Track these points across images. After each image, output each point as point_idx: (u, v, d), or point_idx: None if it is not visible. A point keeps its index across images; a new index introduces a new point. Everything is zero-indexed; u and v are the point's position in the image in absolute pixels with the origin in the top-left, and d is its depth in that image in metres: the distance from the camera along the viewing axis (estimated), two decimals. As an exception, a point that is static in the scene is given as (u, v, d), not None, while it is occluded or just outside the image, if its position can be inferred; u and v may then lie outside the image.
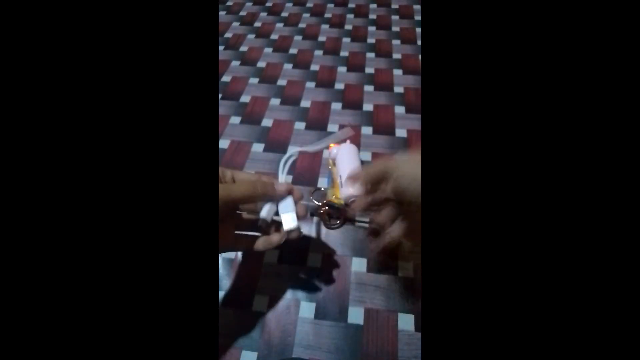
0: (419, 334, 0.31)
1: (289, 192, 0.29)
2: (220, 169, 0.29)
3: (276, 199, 0.28)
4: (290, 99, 0.54)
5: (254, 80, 0.58)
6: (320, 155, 0.45)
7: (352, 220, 0.39)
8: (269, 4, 0.79)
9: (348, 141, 0.41)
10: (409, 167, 0.25)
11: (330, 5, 0.77)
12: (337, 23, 0.71)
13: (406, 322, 0.32)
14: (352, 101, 0.53)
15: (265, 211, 0.28)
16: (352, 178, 0.29)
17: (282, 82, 0.58)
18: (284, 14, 0.75)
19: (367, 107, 0.52)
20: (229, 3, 0.80)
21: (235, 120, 0.51)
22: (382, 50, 0.63)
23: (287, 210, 0.28)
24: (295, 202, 0.29)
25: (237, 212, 0.30)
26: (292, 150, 0.31)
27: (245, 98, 0.55)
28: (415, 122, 0.50)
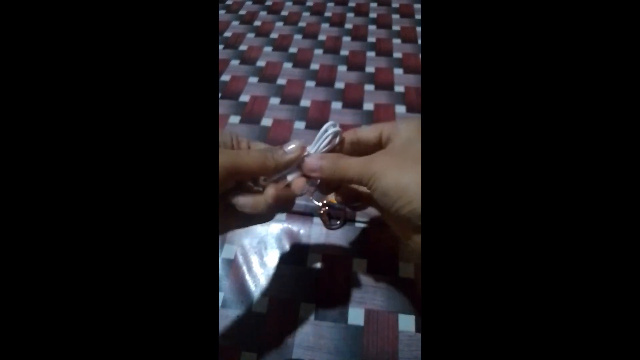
0: (420, 335, 0.31)
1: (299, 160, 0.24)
2: (233, 135, 0.25)
3: (289, 169, 0.24)
4: (290, 98, 0.54)
5: (253, 80, 0.58)
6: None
7: (352, 220, 0.39)
8: (268, 3, 0.78)
9: None
10: (392, 178, 0.20)
11: (330, 4, 0.77)
12: (337, 22, 0.71)
13: (406, 323, 0.31)
14: (352, 100, 0.53)
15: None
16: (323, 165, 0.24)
17: (281, 81, 0.57)
18: (284, 13, 0.75)
19: (368, 106, 0.52)
20: (229, 2, 0.79)
21: (235, 119, 0.51)
22: (382, 49, 0.63)
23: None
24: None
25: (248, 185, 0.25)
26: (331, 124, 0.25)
27: (244, 97, 0.55)
28: (415, 122, 0.49)
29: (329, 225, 0.38)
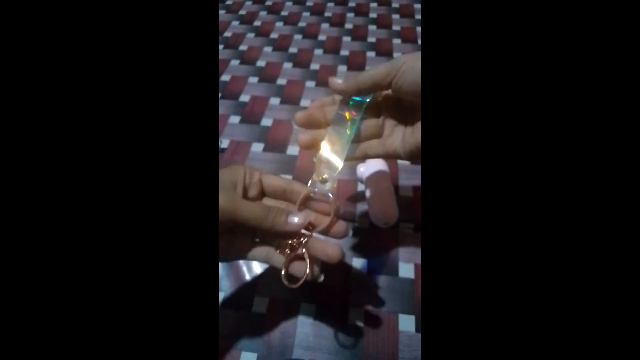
0: (420, 335, 0.31)
1: (307, 228, 0.24)
2: (246, 168, 0.25)
3: (286, 234, 0.23)
4: (290, 98, 0.54)
5: (253, 80, 0.58)
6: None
7: (352, 220, 0.39)
8: (268, 3, 0.78)
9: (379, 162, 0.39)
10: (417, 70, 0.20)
11: (330, 4, 0.77)
12: (337, 22, 0.71)
13: (406, 323, 0.31)
14: (352, 100, 0.53)
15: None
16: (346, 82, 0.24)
17: (281, 81, 0.57)
18: (284, 13, 0.75)
19: (367, 106, 0.52)
20: (229, 2, 0.79)
21: (235, 119, 0.51)
22: (382, 49, 0.63)
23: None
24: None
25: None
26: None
27: (244, 97, 0.55)
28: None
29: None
